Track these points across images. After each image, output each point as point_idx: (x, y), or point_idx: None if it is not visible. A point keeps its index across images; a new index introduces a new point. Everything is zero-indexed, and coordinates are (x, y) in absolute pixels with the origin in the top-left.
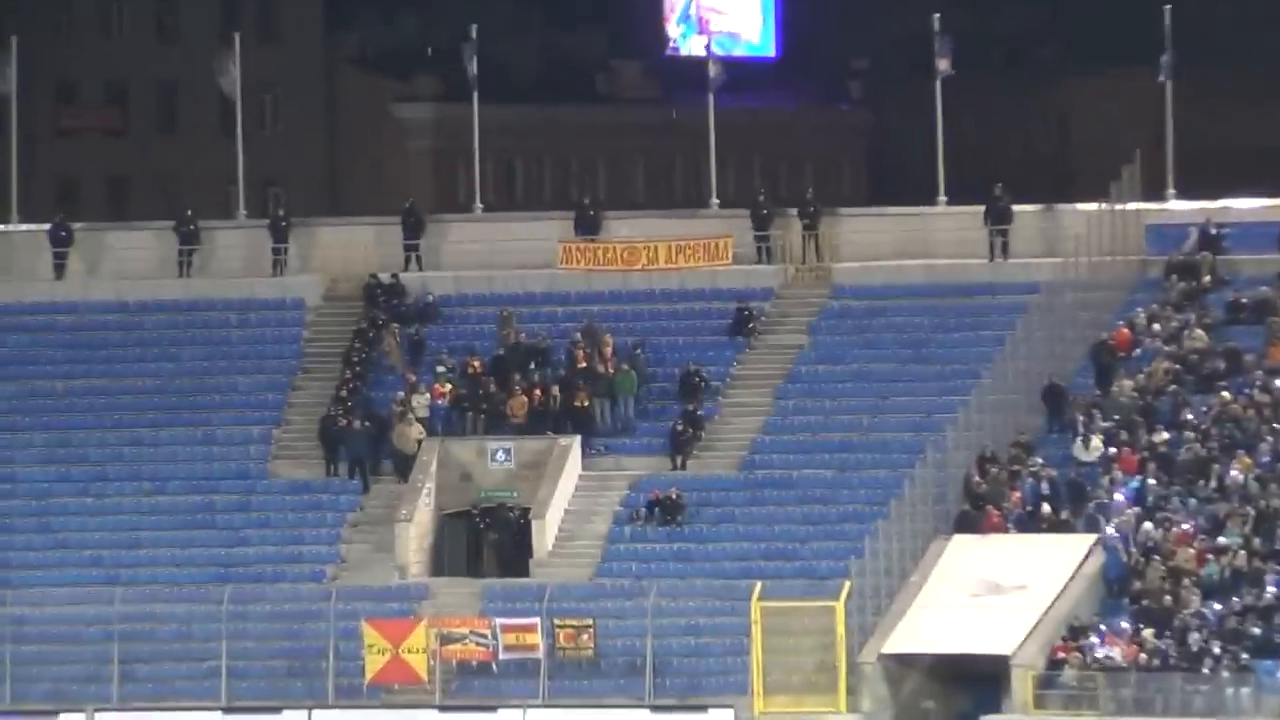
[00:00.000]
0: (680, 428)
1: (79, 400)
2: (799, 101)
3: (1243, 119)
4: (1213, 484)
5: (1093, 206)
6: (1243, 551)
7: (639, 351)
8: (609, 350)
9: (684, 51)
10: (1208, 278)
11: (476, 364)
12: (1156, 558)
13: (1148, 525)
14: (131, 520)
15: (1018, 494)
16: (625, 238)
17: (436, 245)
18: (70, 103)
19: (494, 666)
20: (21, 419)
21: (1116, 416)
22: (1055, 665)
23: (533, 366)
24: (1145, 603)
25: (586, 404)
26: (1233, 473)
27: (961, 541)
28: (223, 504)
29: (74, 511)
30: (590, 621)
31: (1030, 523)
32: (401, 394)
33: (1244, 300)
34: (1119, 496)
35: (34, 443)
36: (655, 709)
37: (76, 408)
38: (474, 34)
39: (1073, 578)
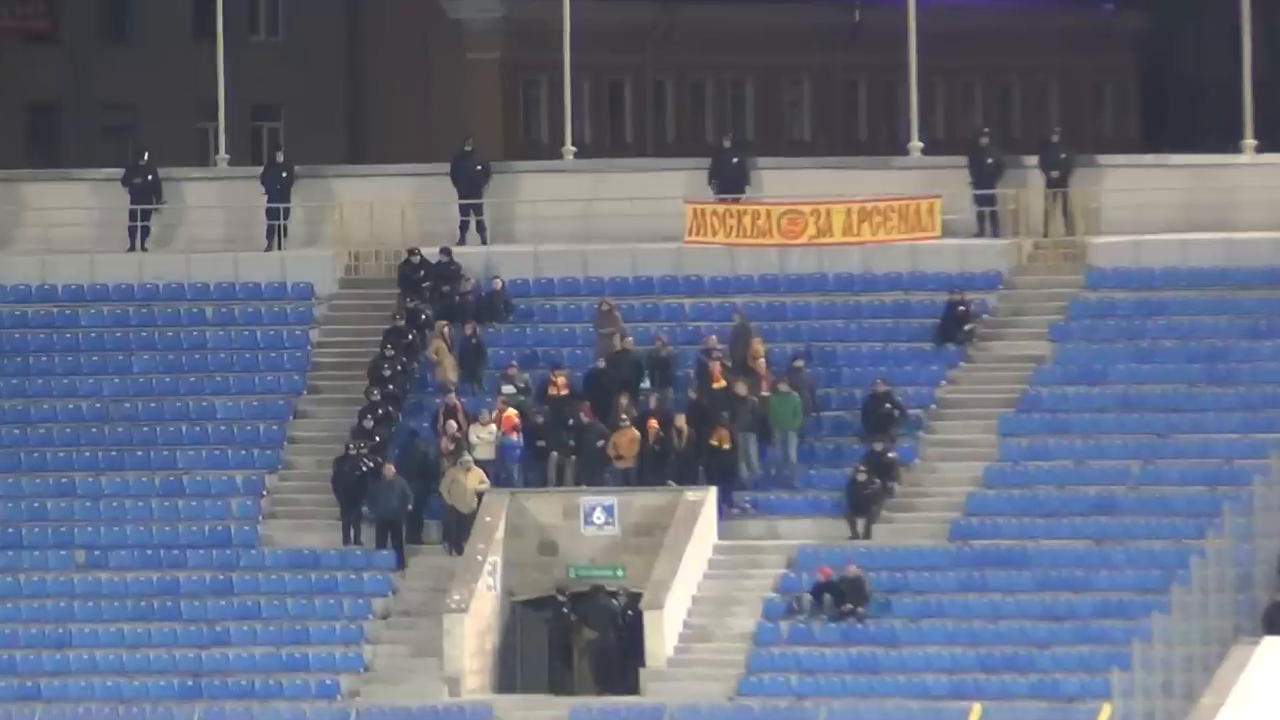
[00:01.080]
0: (863, 477)
1: None
2: None
3: None
4: None
5: None
6: None
7: (803, 365)
8: (760, 363)
9: None
10: None
11: (561, 380)
12: None
13: None
14: (58, 607)
15: None
16: (784, 197)
17: (507, 207)
18: None
19: None
20: None
21: None
22: None
23: (647, 385)
24: None
25: (726, 442)
26: None
27: (1275, 646)
28: (192, 585)
29: None
30: None
31: None
32: (454, 424)
33: None
34: None
35: None
36: None
37: None
38: None
39: None
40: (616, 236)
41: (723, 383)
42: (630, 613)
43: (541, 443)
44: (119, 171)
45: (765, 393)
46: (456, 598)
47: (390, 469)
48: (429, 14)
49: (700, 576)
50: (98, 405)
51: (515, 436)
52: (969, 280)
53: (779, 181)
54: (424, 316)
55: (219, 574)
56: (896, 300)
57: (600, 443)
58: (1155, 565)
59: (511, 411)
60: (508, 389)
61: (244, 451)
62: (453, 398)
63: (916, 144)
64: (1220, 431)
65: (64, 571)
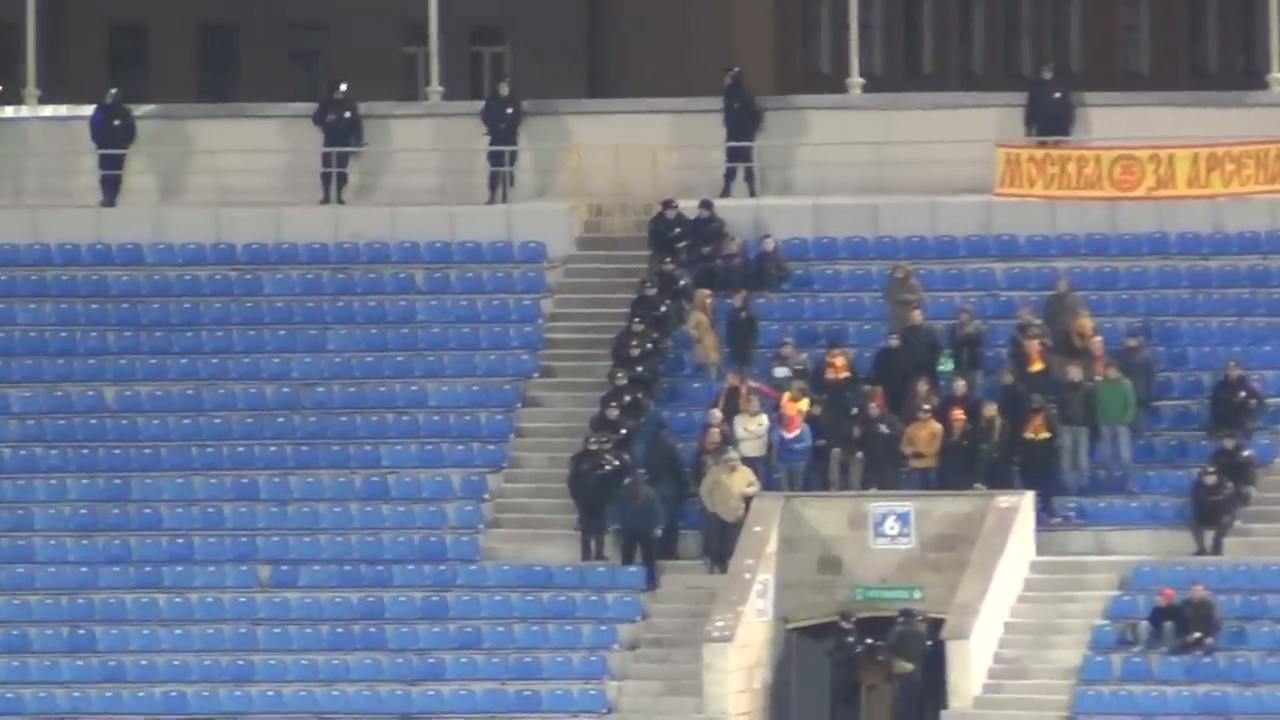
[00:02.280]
0: (1212, 480)
1: (139, 422)
2: None
3: None
4: None
5: None
6: None
7: (1140, 344)
8: (1097, 342)
9: None
10: None
11: (840, 362)
12: None
13: None
14: (237, 634)
15: None
16: (1117, 140)
17: (783, 151)
18: None
19: None
20: (38, 452)
21: None
22: None
23: (949, 367)
24: None
25: (1046, 435)
26: None
27: None
28: (399, 607)
29: (132, 618)
30: None
31: None
32: (718, 414)
33: None
34: None
35: (60, 492)
36: None
37: (135, 434)
38: None
39: None
40: (913, 187)
41: (1041, 365)
42: (930, 643)
43: (821, 441)
44: (310, 107)
45: (1095, 377)
46: (719, 624)
47: (644, 489)
48: None
49: (1014, 599)
50: (285, 390)
51: (791, 432)
52: None
53: (1110, 121)
54: (680, 283)
55: (432, 594)
56: (1253, 266)
57: (893, 436)
58: None
59: (804, 401)
60: (781, 371)
61: (462, 446)
62: (734, 378)
63: (1278, 76)
64: None
65: (245, 591)
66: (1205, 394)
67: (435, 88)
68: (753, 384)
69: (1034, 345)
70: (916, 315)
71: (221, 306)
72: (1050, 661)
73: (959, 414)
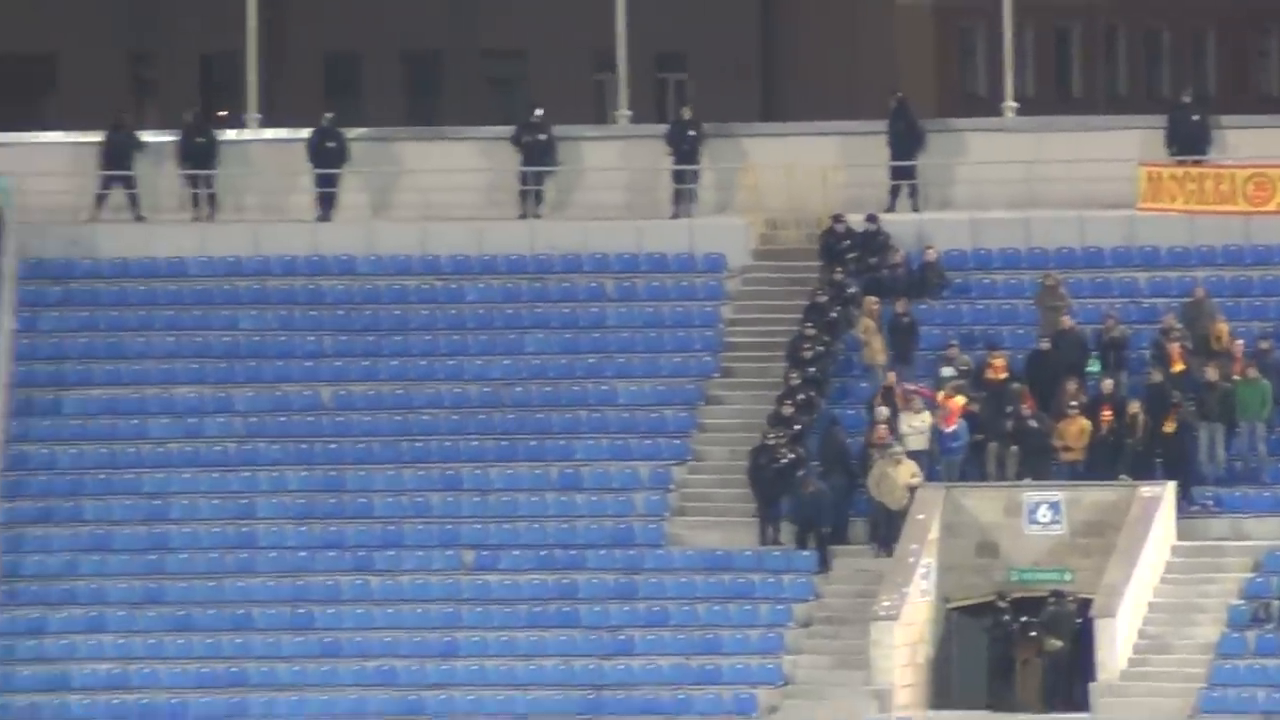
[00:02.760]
0: None
1: (353, 420)
2: None
3: None
4: None
5: None
6: None
7: (1271, 346)
8: (1238, 345)
9: None
10: None
11: (999, 363)
12: None
13: None
14: (443, 613)
15: None
16: (1251, 159)
17: (943, 169)
18: None
19: None
20: (260, 447)
21: None
22: None
23: (1097, 369)
24: None
25: (1173, 428)
26: None
27: None
28: (592, 587)
29: (347, 598)
30: None
31: None
32: (884, 411)
33: None
34: None
35: (280, 483)
36: None
37: (349, 430)
38: None
39: None
40: (1062, 202)
41: (1182, 366)
42: (1080, 621)
43: (980, 435)
44: (508, 130)
45: (1233, 376)
46: (886, 604)
47: (813, 481)
48: None
49: (1157, 581)
50: (486, 389)
51: (951, 426)
52: None
53: (1245, 141)
54: (849, 291)
55: (622, 576)
56: None
57: (1045, 431)
58: None
59: (959, 398)
60: (947, 371)
61: (649, 441)
62: (893, 377)
63: None
64: None
65: (450, 573)
66: None
67: (623, 111)
68: (909, 386)
69: (1175, 348)
70: (1066, 320)
71: (428, 313)
72: (1190, 638)
73: (1107, 412)
